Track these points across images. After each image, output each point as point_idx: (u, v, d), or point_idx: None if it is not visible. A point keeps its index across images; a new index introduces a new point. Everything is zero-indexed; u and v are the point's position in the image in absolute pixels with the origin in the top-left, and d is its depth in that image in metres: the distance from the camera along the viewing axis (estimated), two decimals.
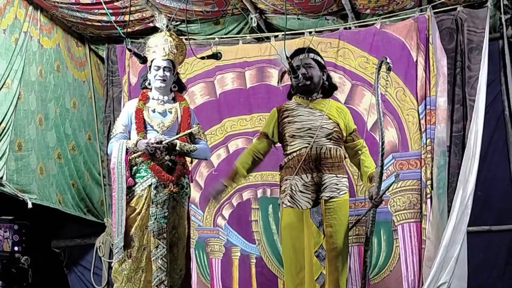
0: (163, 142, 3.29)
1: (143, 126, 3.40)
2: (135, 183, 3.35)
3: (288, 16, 4.71)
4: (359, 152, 3.40)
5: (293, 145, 3.34)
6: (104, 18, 4.81)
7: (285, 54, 3.27)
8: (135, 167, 3.37)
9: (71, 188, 4.96)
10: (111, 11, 4.65)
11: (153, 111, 3.45)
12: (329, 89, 3.49)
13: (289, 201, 3.29)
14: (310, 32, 4.73)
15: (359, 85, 4.55)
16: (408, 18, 4.52)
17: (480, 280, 4.23)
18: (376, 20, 4.64)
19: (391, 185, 3.54)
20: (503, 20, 4.39)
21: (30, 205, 4.35)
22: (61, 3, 4.64)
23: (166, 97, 3.50)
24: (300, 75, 3.33)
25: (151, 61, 3.47)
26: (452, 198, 4.13)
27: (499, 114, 4.43)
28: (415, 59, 4.41)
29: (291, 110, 3.42)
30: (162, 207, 3.32)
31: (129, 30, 4.89)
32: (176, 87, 3.56)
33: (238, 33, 5.01)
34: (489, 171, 4.36)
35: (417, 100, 4.39)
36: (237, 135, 4.81)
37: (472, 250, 4.10)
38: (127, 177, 3.32)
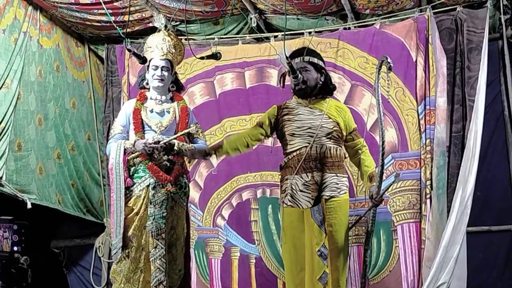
0: (161, 142, 3.29)
1: (141, 126, 3.39)
2: (133, 184, 3.34)
3: (287, 16, 4.71)
4: (359, 151, 3.39)
5: (293, 144, 3.33)
6: (104, 18, 4.81)
7: (285, 55, 3.26)
8: (133, 168, 3.36)
9: (70, 188, 4.96)
10: (110, 11, 4.65)
11: (151, 111, 3.44)
12: (327, 89, 3.47)
13: (289, 201, 3.28)
14: (309, 32, 4.73)
15: (358, 85, 4.55)
16: (407, 18, 4.52)
17: (479, 280, 4.23)
18: (375, 20, 4.64)
19: (391, 185, 3.53)
20: (502, 20, 4.39)
21: (29, 205, 4.35)
22: (61, 3, 4.64)
23: (164, 97, 3.49)
24: (299, 75, 3.32)
25: (149, 61, 3.46)
26: (452, 198, 4.13)
27: (498, 115, 4.43)
28: (414, 59, 4.41)
29: (291, 109, 3.41)
30: (160, 207, 3.31)
31: (128, 30, 4.88)
32: (174, 87, 3.55)
33: (237, 33, 5.01)
34: (489, 171, 4.36)
35: (416, 100, 4.39)
36: None
37: (471, 250, 4.10)
38: (125, 177, 3.31)
